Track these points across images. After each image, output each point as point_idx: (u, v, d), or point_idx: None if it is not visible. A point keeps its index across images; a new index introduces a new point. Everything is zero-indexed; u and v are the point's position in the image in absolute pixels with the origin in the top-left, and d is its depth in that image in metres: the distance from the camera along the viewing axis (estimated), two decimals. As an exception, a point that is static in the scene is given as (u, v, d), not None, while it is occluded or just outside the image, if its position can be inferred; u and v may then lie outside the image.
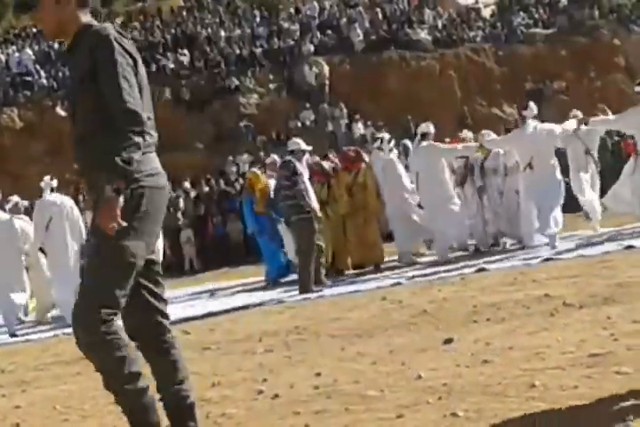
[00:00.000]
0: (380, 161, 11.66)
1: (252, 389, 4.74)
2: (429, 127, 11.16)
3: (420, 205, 11.27)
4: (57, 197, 10.56)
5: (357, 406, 3.99)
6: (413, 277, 9.60)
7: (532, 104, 10.67)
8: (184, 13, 29.93)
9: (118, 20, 29.55)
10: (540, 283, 7.29)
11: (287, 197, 10.12)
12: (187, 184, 20.05)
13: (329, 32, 27.57)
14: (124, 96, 3.23)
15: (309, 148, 10.82)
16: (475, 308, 6.45)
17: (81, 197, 17.30)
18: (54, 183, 10.65)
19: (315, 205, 10.16)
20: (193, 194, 19.52)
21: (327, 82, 25.95)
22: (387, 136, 11.95)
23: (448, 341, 5.19)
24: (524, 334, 5.07)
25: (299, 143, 10.60)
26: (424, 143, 11.09)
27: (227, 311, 9.05)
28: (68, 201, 10.74)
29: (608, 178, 11.63)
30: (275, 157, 12.93)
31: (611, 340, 4.48)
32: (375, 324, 6.51)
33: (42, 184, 10.57)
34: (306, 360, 5.41)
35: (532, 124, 10.37)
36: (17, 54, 26.21)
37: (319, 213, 10.21)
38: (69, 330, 10.41)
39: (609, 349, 4.26)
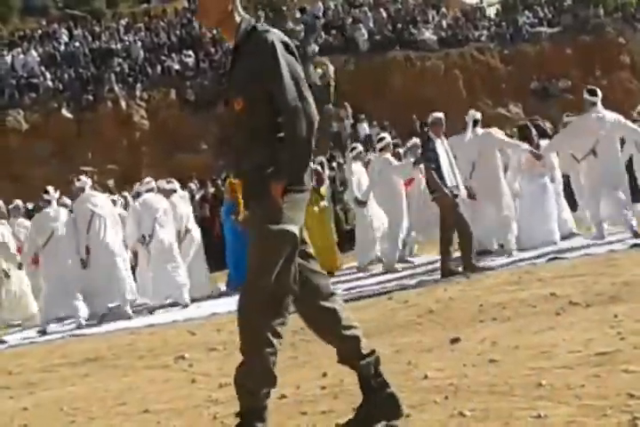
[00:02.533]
0: (378, 162, 11.00)
1: (259, 389, 4.73)
2: (477, 114, 10.37)
3: (472, 197, 10.00)
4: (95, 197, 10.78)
5: (364, 406, 3.98)
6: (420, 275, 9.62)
7: (598, 90, 9.93)
8: (188, 15, 29.95)
9: (123, 22, 29.60)
10: (546, 282, 7.28)
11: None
12: (192, 185, 20.04)
13: (334, 32, 27.56)
14: None
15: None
16: (481, 307, 6.44)
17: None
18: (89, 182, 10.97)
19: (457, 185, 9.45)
20: (199, 195, 19.52)
21: (332, 82, 25.95)
22: (388, 138, 11.36)
23: (454, 340, 5.19)
24: (530, 334, 5.05)
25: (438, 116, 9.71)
26: (479, 130, 10.30)
27: (232, 312, 9.04)
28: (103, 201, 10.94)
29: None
30: None
31: (617, 338, 4.47)
32: (381, 324, 6.50)
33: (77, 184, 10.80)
34: (312, 361, 5.41)
35: (601, 110, 9.78)
36: (22, 56, 26.24)
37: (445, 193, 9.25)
38: (77, 331, 10.30)
39: (616, 347, 4.25)
